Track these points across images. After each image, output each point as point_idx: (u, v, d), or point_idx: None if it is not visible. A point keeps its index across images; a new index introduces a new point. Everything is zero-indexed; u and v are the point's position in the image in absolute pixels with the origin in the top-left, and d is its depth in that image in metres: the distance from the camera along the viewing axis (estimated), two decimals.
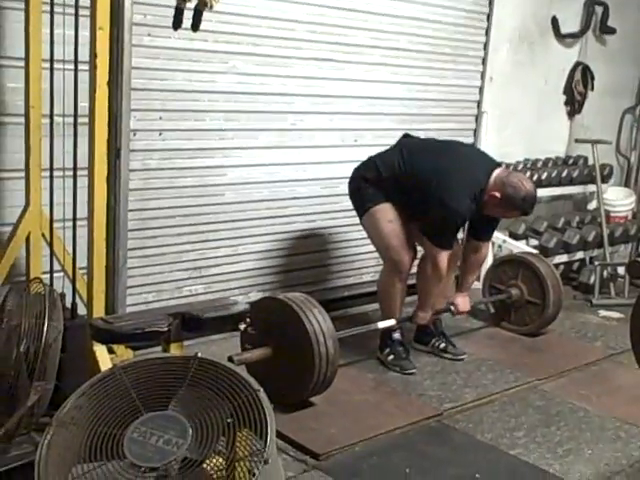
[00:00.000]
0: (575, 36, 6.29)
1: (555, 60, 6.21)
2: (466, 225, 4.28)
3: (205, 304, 2.98)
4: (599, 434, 3.49)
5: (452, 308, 4.26)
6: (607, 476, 3.13)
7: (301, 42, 4.42)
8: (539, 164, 6.10)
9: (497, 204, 3.89)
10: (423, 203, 3.88)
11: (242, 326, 3.24)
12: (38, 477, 1.89)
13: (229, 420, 1.94)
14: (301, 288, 4.25)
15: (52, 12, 3.11)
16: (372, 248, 4.30)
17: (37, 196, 3.43)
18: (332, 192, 4.73)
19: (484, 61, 5.53)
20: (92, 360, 3.00)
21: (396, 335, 4.14)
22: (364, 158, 4.18)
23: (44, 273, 3.38)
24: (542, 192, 5.59)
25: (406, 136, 4.31)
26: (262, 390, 2.01)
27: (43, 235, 3.44)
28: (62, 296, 3.11)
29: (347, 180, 4.20)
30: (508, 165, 5.45)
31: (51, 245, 3.37)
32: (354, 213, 4.20)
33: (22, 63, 3.34)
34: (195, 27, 3.05)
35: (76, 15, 3.06)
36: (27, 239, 3.46)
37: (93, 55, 2.95)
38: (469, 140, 5.48)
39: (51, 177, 3.23)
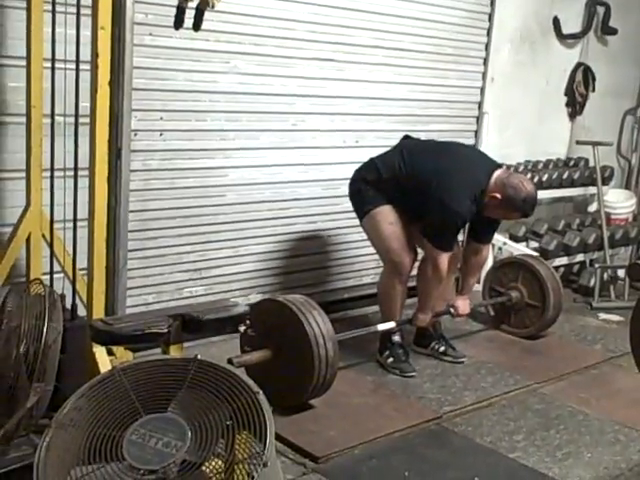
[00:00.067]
0: (576, 37, 6.29)
1: (556, 61, 6.21)
2: (466, 227, 4.28)
3: (205, 306, 2.98)
4: (598, 437, 3.49)
5: (452, 310, 4.26)
6: None
7: (303, 42, 4.41)
8: (540, 165, 6.10)
9: (497, 205, 3.89)
10: (423, 204, 3.88)
11: (242, 328, 3.25)
12: (37, 479, 1.89)
13: (228, 422, 1.94)
14: (301, 290, 4.25)
15: (54, 11, 3.11)
16: (372, 250, 4.29)
17: (38, 196, 3.42)
18: (333, 193, 4.73)
19: (485, 62, 5.53)
20: (92, 361, 2.99)
21: (396, 338, 4.14)
22: (365, 159, 4.19)
23: (44, 274, 3.38)
24: (542, 194, 5.57)
25: (406, 137, 4.31)
26: (261, 392, 2.01)
27: (43, 236, 3.44)
28: (62, 297, 3.10)
29: (348, 181, 4.20)
30: (509, 166, 5.44)
31: (51, 246, 3.36)
32: (354, 215, 4.20)
33: (23, 62, 3.33)
34: (197, 27, 3.06)
35: (78, 14, 3.05)
36: (27, 240, 3.45)
37: (94, 55, 2.94)
38: (470, 141, 5.48)
39: (52, 177, 3.22)
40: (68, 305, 3.22)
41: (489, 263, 4.95)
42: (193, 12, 3.02)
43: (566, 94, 6.43)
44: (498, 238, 5.22)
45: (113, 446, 1.93)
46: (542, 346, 4.65)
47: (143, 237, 3.97)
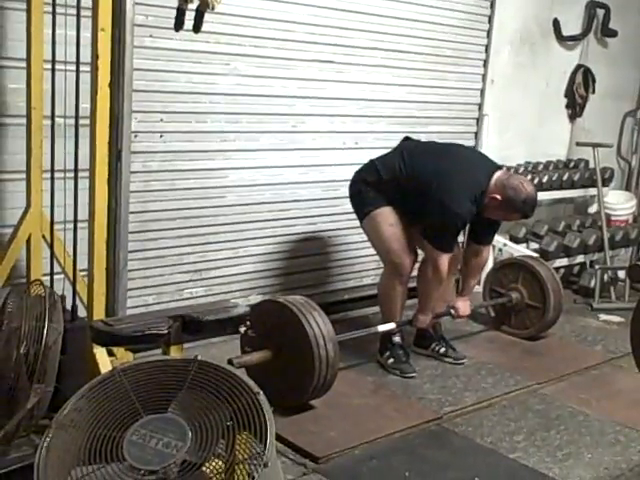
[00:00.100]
0: (576, 38, 6.29)
1: (556, 62, 6.22)
2: (467, 229, 4.28)
3: (205, 307, 2.98)
4: (599, 438, 3.48)
5: (452, 312, 4.26)
6: None
7: (302, 44, 4.41)
8: (540, 167, 6.10)
9: (497, 206, 3.89)
10: (423, 206, 3.88)
11: (242, 329, 3.25)
12: (37, 479, 1.89)
13: (229, 423, 1.94)
14: (301, 291, 4.25)
15: (54, 13, 3.11)
16: (372, 251, 4.30)
17: (38, 198, 3.42)
18: (333, 195, 4.73)
19: (485, 63, 5.53)
20: (92, 362, 2.99)
21: (396, 338, 4.14)
22: (365, 161, 4.19)
23: (44, 275, 3.38)
24: (543, 195, 5.58)
25: (407, 139, 4.31)
26: (262, 393, 2.01)
27: (44, 237, 3.44)
28: (62, 298, 3.10)
29: (348, 183, 4.20)
30: (509, 168, 5.45)
31: (52, 247, 3.36)
32: (354, 216, 4.21)
33: (24, 64, 3.33)
34: (197, 28, 3.05)
35: (78, 16, 3.06)
36: (28, 241, 3.46)
37: (95, 56, 2.94)
38: (470, 143, 5.48)
39: (52, 179, 3.22)
40: (68, 306, 3.22)
41: (489, 264, 4.95)
42: (193, 14, 3.02)
43: (566, 96, 6.44)
44: (498, 239, 5.22)
45: (113, 447, 1.93)
46: (542, 347, 4.65)
47: (143, 238, 3.97)
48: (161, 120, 3.91)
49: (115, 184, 3.69)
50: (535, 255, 5.19)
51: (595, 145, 6.00)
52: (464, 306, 4.27)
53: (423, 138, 4.54)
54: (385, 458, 3.15)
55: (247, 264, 4.46)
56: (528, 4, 5.79)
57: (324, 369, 3.36)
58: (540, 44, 6.00)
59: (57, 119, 3.22)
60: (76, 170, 3.13)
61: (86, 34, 3.01)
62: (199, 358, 2.08)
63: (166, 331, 2.67)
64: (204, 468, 1.91)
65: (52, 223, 3.32)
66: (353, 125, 4.81)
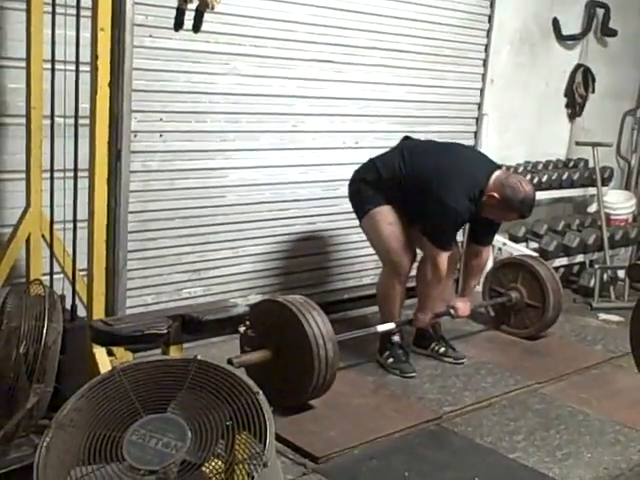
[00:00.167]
0: (576, 38, 6.30)
1: (556, 62, 6.22)
2: (467, 230, 4.28)
3: (204, 306, 2.98)
4: (598, 438, 3.49)
5: (452, 312, 4.26)
6: None
7: (302, 44, 4.41)
8: (540, 166, 6.10)
9: (495, 205, 3.89)
10: (423, 204, 3.88)
11: (241, 328, 3.25)
12: (37, 479, 1.89)
13: (228, 423, 1.94)
14: (301, 290, 4.25)
15: (53, 13, 3.11)
16: (372, 251, 4.30)
17: (37, 197, 3.42)
18: (333, 194, 4.73)
19: (485, 63, 5.52)
20: (91, 362, 2.99)
21: (396, 338, 4.14)
22: (365, 160, 4.19)
23: (44, 275, 3.38)
24: (542, 195, 5.60)
25: (407, 138, 4.31)
26: (261, 393, 2.01)
27: (43, 236, 3.44)
28: (62, 298, 3.10)
29: (348, 182, 4.20)
30: (509, 167, 5.45)
31: (51, 247, 3.36)
32: (354, 216, 4.21)
33: (23, 64, 3.33)
34: (196, 28, 3.05)
35: (77, 16, 3.05)
36: (27, 240, 3.45)
37: (94, 56, 2.94)
38: (470, 142, 5.47)
39: (51, 178, 3.22)
40: (68, 306, 3.21)
41: (489, 264, 4.95)
42: (193, 14, 3.02)
43: (566, 95, 6.44)
44: (498, 239, 5.22)
45: (113, 446, 1.93)
46: (542, 346, 4.65)
47: (143, 238, 3.97)
48: (161, 120, 3.91)
49: (115, 184, 3.68)
50: (535, 254, 5.19)
51: (595, 144, 6.00)
52: (464, 306, 4.27)
53: (423, 137, 4.53)
54: (385, 458, 3.15)
55: (246, 264, 4.46)
56: (528, 4, 5.80)
57: (323, 369, 3.36)
58: (540, 44, 6.00)
59: (57, 119, 3.22)
60: (76, 170, 3.13)
61: (86, 34, 3.01)
62: (199, 358, 2.08)
63: (166, 331, 2.67)
64: (204, 468, 1.91)
65: (52, 223, 3.32)
66: (353, 125, 4.81)
